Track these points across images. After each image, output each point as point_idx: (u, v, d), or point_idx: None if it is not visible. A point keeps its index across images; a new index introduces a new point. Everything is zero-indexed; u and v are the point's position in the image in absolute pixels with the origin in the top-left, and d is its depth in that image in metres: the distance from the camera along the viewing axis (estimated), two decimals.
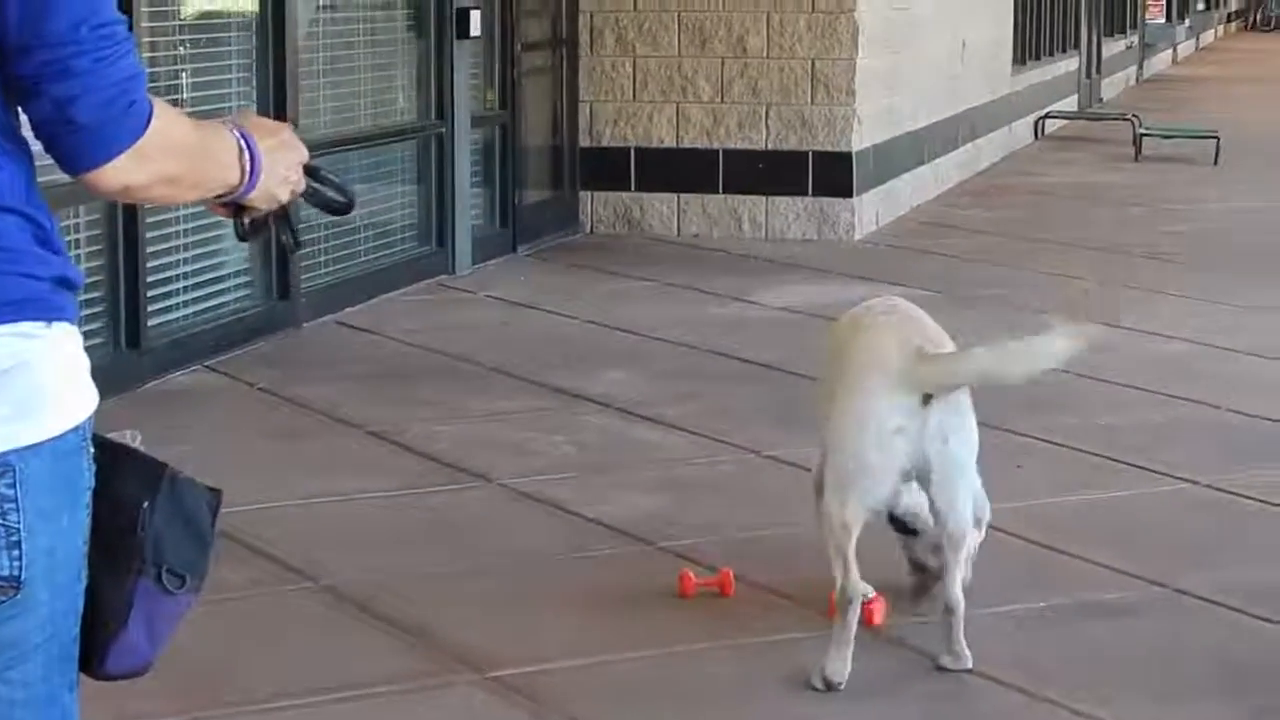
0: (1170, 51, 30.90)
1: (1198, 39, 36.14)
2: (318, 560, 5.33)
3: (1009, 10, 16.46)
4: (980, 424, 4.56)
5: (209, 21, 8.28)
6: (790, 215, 11.24)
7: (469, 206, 10.10)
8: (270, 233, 2.44)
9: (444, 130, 9.89)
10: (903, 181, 12.22)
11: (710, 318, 8.94)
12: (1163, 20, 29.03)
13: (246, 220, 2.37)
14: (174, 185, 2.15)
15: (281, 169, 2.30)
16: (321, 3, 9.21)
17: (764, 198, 11.23)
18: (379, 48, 9.71)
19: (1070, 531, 5.65)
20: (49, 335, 2.04)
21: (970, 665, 4.51)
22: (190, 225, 7.91)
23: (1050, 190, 14.08)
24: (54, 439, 2.01)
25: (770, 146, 11.18)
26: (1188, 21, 34.20)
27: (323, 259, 8.94)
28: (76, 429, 2.04)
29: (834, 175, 11.12)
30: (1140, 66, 26.81)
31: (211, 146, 2.22)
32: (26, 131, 2.13)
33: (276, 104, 8.31)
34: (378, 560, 5.37)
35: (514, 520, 5.78)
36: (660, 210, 11.34)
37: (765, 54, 11.14)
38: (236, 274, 8.38)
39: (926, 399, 4.35)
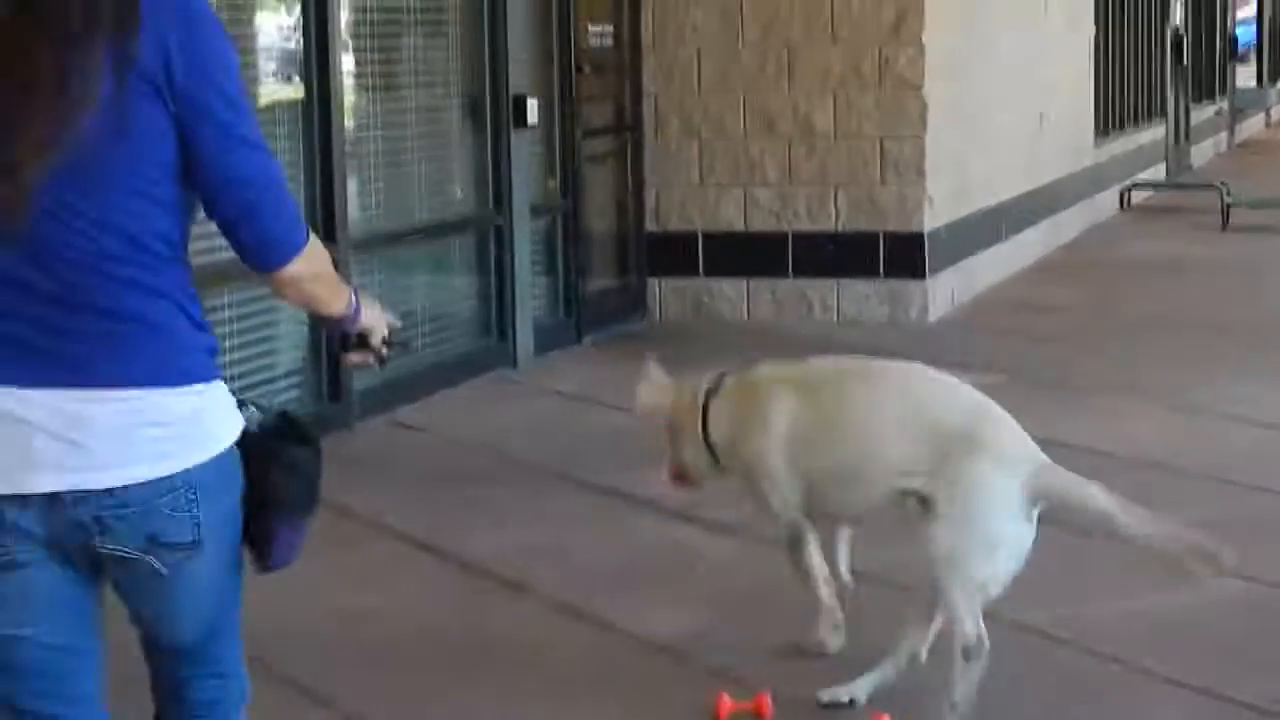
0: (1263, 115, 30.46)
1: None
2: (340, 684, 5.11)
3: (1089, 80, 16.23)
4: (1039, 517, 4.39)
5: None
6: (861, 298, 11.04)
7: (530, 297, 9.94)
8: (360, 361, 3.26)
9: (502, 221, 9.72)
10: (979, 259, 12.00)
11: None
12: (1254, 84, 28.60)
13: (353, 338, 3.22)
14: (323, 284, 3.06)
15: (374, 316, 3.22)
16: (372, 92, 9.04)
17: (834, 281, 11.05)
18: (434, 138, 9.58)
19: (1130, 640, 5.33)
20: (209, 390, 2.98)
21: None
22: (240, 325, 7.75)
23: (1133, 264, 13.82)
24: (216, 456, 2.98)
25: (840, 228, 11.00)
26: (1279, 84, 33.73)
27: None
28: (230, 447, 3.01)
29: (905, 256, 10.94)
30: (1231, 132, 26.40)
31: (334, 271, 3.16)
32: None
33: (324, 197, 8.15)
34: (402, 683, 5.15)
35: (549, 636, 5.56)
36: (729, 295, 11.16)
37: (832, 134, 11.01)
38: (288, 374, 8.22)
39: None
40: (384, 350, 3.24)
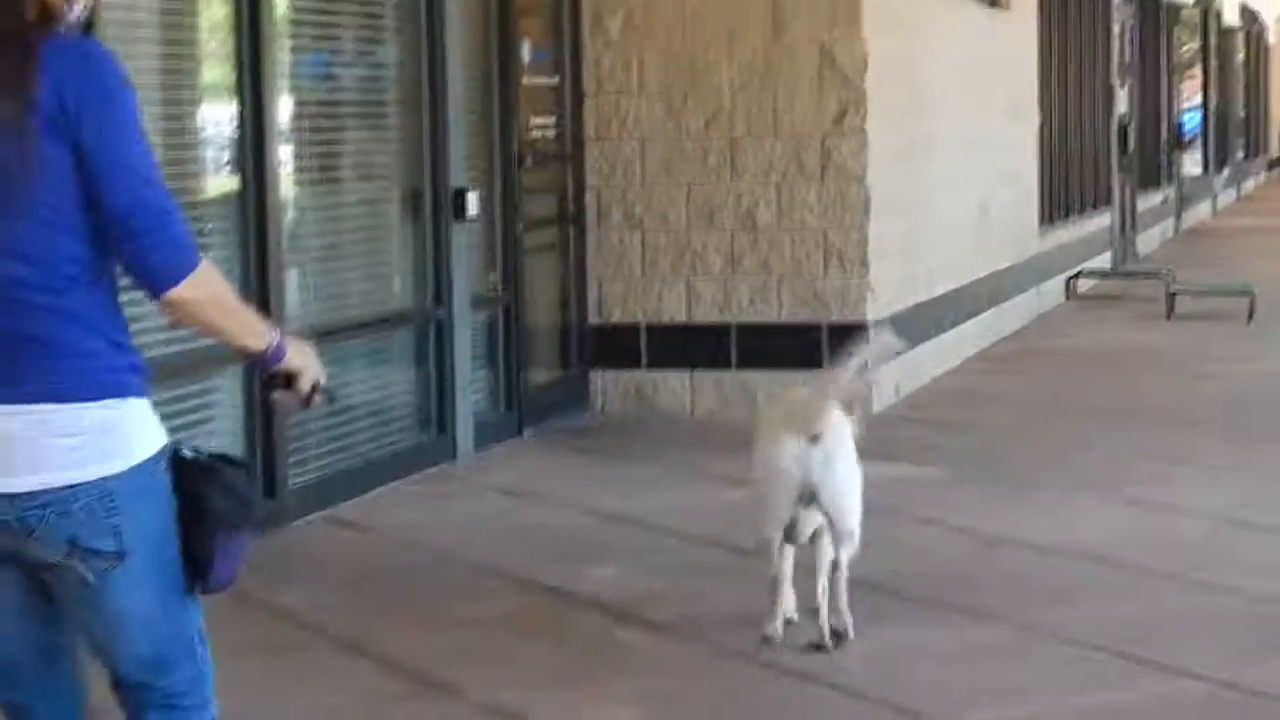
0: (1210, 203, 30.64)
1: (1238, 188, 35.86)
2: None
3: (1034, 168, 16.26)
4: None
5: (184, 201, 8.03)
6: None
7: (470, 390, 9.88)
8: (281, 400, 3.41)
9: (442, 314, 9.66)
10: (923, 350, 11.95)
11: (719, 504, 8.55)
12: (1200, 171, 28.77)
13: (280, 378, 3.37)
14: (218, 310, 3.26)
15: (302, 359, 3.38)
16: (310, 184, 8.99)
17: (778, 372, 10.74)
18: (373, 231, 9.54)
19: None
20: (125, 405, 3.20)
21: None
22: (175, 422, 7.63)
23: (1078, 354, 13.83)
24: (134, 467, 3.20)
25: (783, 319, 10.96)
26: (1227, 171, 33.96)
27: (313, 452, 8.66)
28: (149, 457, 3.21)
29: (848, 347, 10.78)
30: (1178, 219, 26.53)
31: (246, 308, 3.39)
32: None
33: (260, 289, 8.06)
34: None
35: None
36: (673, 388, 11.12)
37: (776, 225, 10.97)
38: None
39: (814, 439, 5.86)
40: (309, 395, 3.39)
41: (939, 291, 12.35)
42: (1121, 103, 21.07)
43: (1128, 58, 21.79)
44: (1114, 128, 20.51)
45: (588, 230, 11.17)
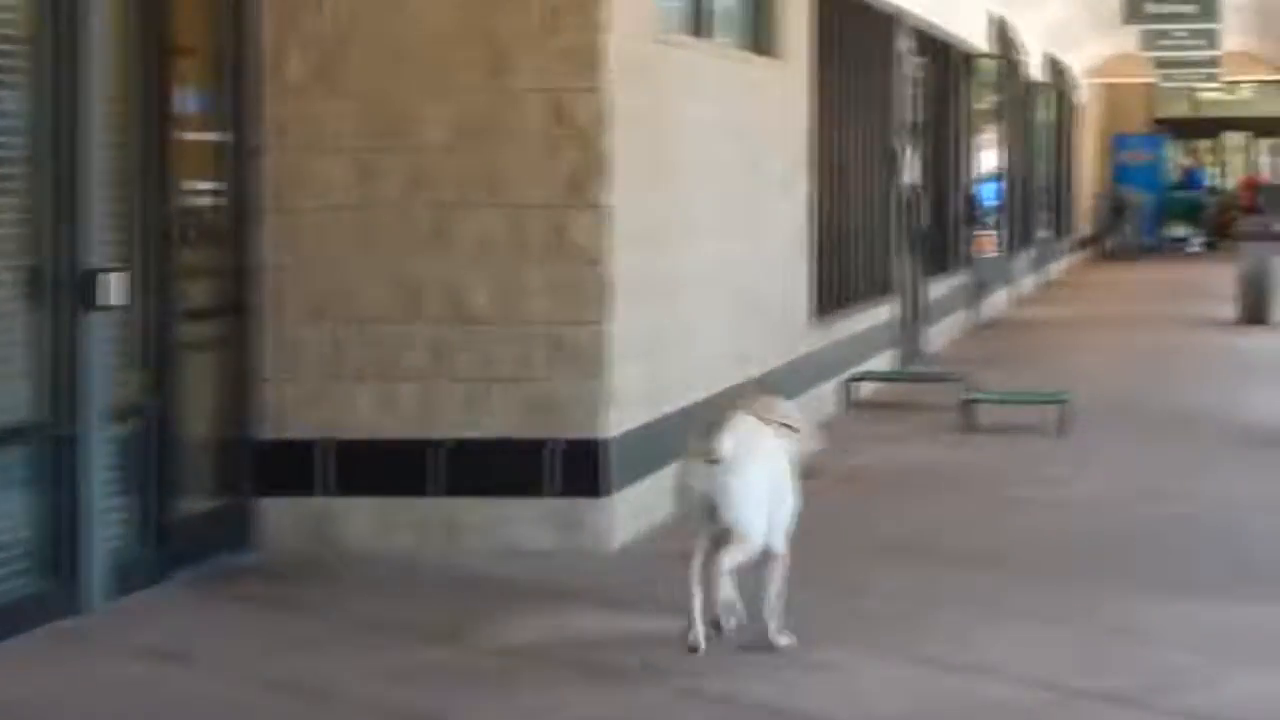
0: (1010, 290, 31.11)
1: (1044, 272, 36.58)
2: None
3: (804, 253, 16.33)
4: None
5: None
6: (527, 522, 10.84)
7: (105, 524, 9.55)
8: None
9: (70, 429, 9.35)
10: (667, 473, 11.55)
11: (417, 667, 8.37)
12: (996, 253, 29.14)
13: None
14: None
15: None
16: None
17: (493, 500, 10.85)
18: None
19: None
20: None
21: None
22: None
23: (861, 476, 13.79)
24: None
25: (501, 434, 10.83)
26: (1030, 252, 34.53)
27: None
28: None
29: (582, 469, 10.81)
30: (974, 310, 26.87)
31: None
32: None
33: None
34: None
35: None
36: (359, 520, 10.91)
37: (495, 316, 10.87)
38: None
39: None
40: None
41: (696, 399, 12.26)
42: (909, 169, 21.24)
43: (917, 117, 21.98)
44: (900, 199, 20.72)
45: (259, 322, 10.99)
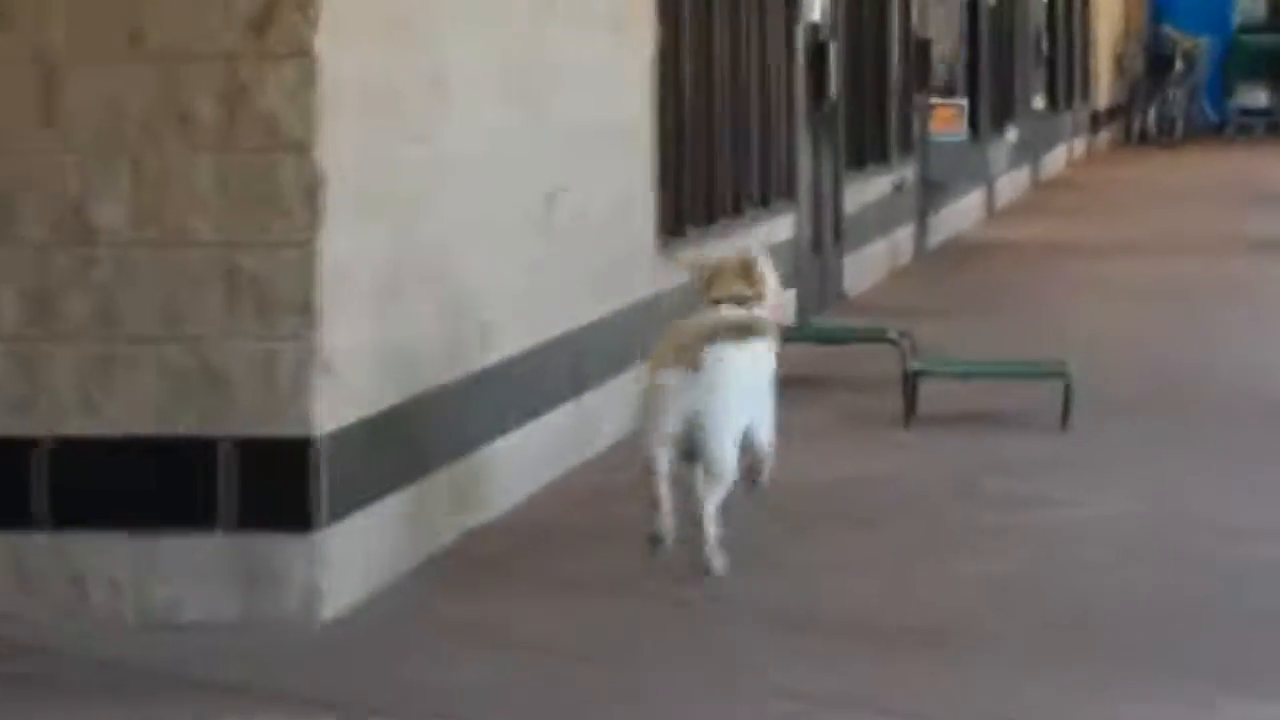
0: (982, 193, 28.85)
1: (1036, 165, 34.44)
2: None
3: (647, 135, 15.01)
4: None
5: None
6: (184, 574, 9.81)
7: None
8: None
9: None
10: (430, 488, 10.74)
11: None
12: (963, 134, 26.85)
13: None
14: None
15: None
16: None
17: (127, 539, 9.69)
18: None
19: None
20: None
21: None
22: None
23: (745, 507, 11.88)
24: None
25: (139, 431, 9.72)
26: (1012, 133, 31.93)
27: None
28: None
29: (275, 487, 9.78)
30: (923, 227, 24.99)
31: None
32: None
33: None
34: None
35: None
36: None
37: (129, 232, 9.78)
38: None
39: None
40: None
41: (466, 371, 11.31)
42: (818, 4, 19.96)
43: None
44: (803, 53, 19.34)
45: None
